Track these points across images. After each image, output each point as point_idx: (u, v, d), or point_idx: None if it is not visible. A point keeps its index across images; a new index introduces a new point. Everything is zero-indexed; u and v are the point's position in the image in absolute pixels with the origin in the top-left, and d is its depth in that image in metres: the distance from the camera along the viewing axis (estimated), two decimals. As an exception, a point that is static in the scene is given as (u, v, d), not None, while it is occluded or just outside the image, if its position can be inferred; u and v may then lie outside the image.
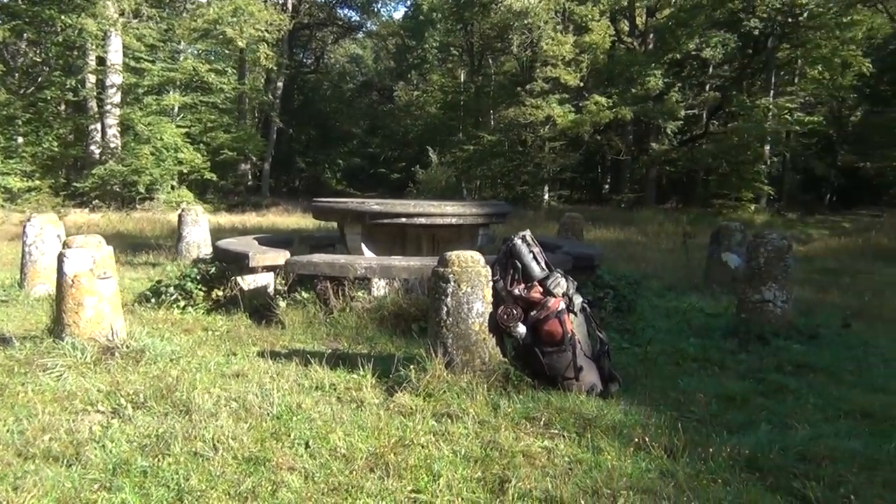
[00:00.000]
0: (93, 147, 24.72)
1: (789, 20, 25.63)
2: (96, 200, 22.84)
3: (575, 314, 4.47)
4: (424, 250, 8.04)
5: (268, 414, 3.91)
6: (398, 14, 68.66)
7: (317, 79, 46.06)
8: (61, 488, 3.02)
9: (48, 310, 5.81)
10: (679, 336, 6.24)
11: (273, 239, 8.76)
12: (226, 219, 20.56)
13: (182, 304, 6.95)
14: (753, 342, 5.89)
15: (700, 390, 4.47)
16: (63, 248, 5.12)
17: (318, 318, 6.25)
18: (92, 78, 24.82)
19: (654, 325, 6.67)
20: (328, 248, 9.17)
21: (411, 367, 4.41)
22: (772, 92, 27.02)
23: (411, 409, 4.05)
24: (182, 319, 6.57)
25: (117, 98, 24.35)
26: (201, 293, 7.04)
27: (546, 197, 29.20)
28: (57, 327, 5.09)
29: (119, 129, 24.60)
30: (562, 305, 4.40)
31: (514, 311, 4.45)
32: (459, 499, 3.02)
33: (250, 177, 33.52)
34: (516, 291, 4.54)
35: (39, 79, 24.85)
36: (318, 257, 6.99)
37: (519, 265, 4.60)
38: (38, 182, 23.03)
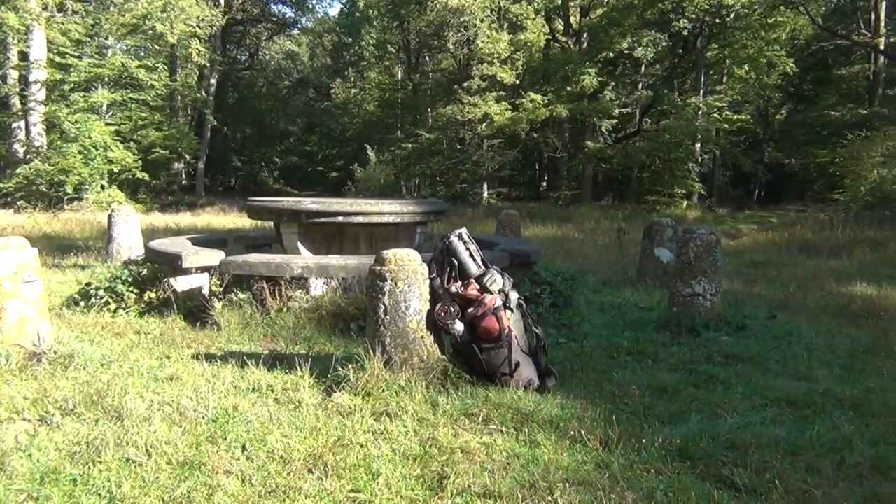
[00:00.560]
0: (16, 146, 23.81)
1: (717, 21, 26.42)
2: (21, 201, 21.97)
3: (511, 310, 4.52)
4: (362, 249, 8.01)
5: (203, 417, 3.85)
6: (334, 11, 68.10)
7: (251, 76, 45.36)
8: (-15, 500, 2.92)
9: (-31, 316, 5.58)
10: (614, 330, 6.37)
11: (208, 239, 8.60)
12: (159, 219, 20.06)
13: (113, 307, 6.76)
14: (684, 334, 6.06)
15: (634, 383, 4.58)
16: (-16, 251, 4.93)
17: (254, 319, 6.16)
18: (14, 74, 23.89)
19: (590, 319, 6.79)
20: (265, 247, 9.06)
21: (350, 366, 4.39)
22: (701, 91, 27.83)
23: (350, 408, 4.03)
24: (113, 323, 6.39)
25: (41, 95, 23.49)
26: (133, 296, 6.86)
27: (485, 195, 29.39)
28: (-22, 334, 4.90)
29: (44, 126, 23.74)
30: (498, 302, 4.44)
31: (452, 309, 4.47)
32: (398, 497, 3.03)
33: (184, 176, 32.77)
34: (453, 289, 4.56)
35: (-43, 74, 23.85)
36: (253, 257, 6.89)
37: (455, 263, 4.62)
38: (-43, 182, 22.11)
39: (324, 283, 6.41)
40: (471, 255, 4.69)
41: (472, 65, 28.29)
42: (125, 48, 27.71)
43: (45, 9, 23.11)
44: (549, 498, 3.01)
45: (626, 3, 26.93)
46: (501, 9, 28.05)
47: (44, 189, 22.40)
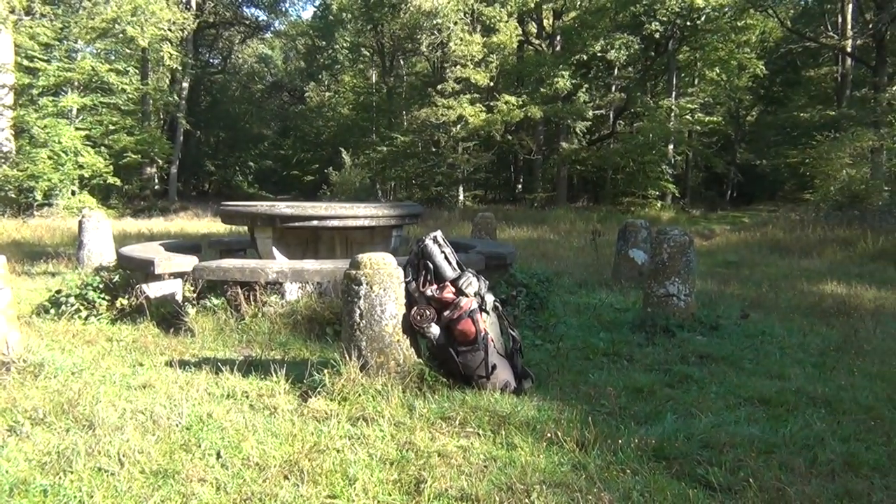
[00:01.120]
0: (-16, 151, 23.41)
1: (688, 24, 26.73)
2: (-11, 207, 21.65)
3: (487, 313, 4.53)
4: (338, 253, 7.98)
5: (177, 425, 3.80)
6: (307, 14, 67.90)
7: (224, 79, 45.08)
8: (-48, 514, 2.86)
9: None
10: (589, 331, 6.40)
11: (181, 244, 8.51)
12: (131, 225, 19.84)
13: (84, 314, 6.65)
14: (659, 335, 6.10)
15: (610, 384, 4.61)
16: (-50, 259, 4.83)
17: (229, 325, 6.10)
18: (-20, 78, 23.50)
19: (566, 321, 6.81)
20: (239, 252, 8.99)
21: (325, 371, 4.36)
22: (673, 93, 28.14)
23: (326, 413, 4.01)
24: (84, 330, 6.29)
25: (9, 99, 23.10)
26: (104, 302, 6.76)
27: (461, 197, 29.44)
28: (-55, 343, 4.80)
29: (13, 132, 23.32)
30: (474, 305, 4.44)
31: (428, 312, 4.46)
32: (375, 502, 3.01)
33: (157, 181, 32.45)
34: (429, 292, 4.55)
35: (-78, 79, 23.36)
36: (227, 262, 6.83)
37: (431, 266, 4.62)
38: (-78, 189, 21.67)
39: (299, 287, 6.37)
40: (446, 258, 4.68)
41: (445, 67, 28.34)
42: (95, 52, 27.35)
43: (12, 12, 22.74)
44: (527, 500, 3.01)
45: (599, 6, 27.16)
46: (474, 11, 28.14)
47: (13, 195, 22.04)
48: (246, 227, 8.25)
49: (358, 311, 4.42)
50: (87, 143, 24.03)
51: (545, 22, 31.76)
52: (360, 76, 40.88)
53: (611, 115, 31.50)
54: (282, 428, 3.78)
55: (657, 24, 25.97)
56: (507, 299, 6.70)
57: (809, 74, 33.11)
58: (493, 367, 4.38)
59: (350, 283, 4.46)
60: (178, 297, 6.84)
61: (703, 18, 26.34)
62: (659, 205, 27.29)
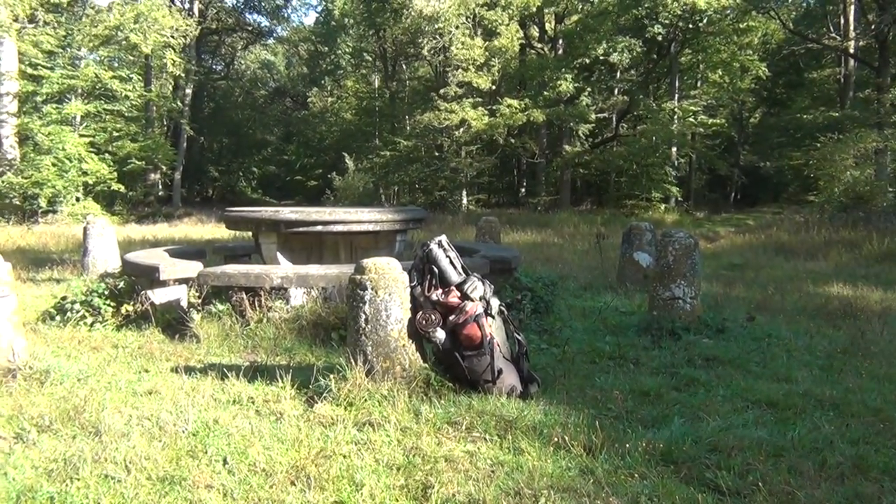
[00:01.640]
0: (-12, 159, 23.49)
1: (690, 26, 26.69)
2: (-6, 214, 21.71)
3: (493, 317, 4.52)
4: (342, 258, 7.98)
5: (183, 431, 3.79)
6: (309, 20, 68.06)
7: (227, 85, 45.18)
8: (-41, 522, 2.86)
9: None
10: (595, 335, 6.38)
11: (185, 250, 8.52)
12: (136, 231, 19.87)
13: (89, 320, 6.66)
14: (665, 338, 6.08)
15: (616, 387, 4.59)
16: (-44, 266, 4.84)
17: (234, 331, 6.10)
18: (-15, 86, 23.58)
19: (571, 325, 6.80)
20: (243, 258, 8.99)
21: (331, 376, 4.36)
22: (676, 95, 28.10)
23: (332, 419, 4.00)
24: (90, 337, 6.30)
25: (13, 107, 23.19)
26: (110, 309, 6.76)
27: (464, 201, 29.44)
28: (-49, 351, 4.80)
29: (17, 139, 23.41)
30: (480, 309, 4.43)
31: (433, 317, 4.46)
32: (383, 508, 3.00)
33: (160, 187, 32.49)
34: (434, 297, 4.54)
35: (-73, 87, 23.44)
36: (232, 268, 6.83)
37: (436, 270, 4.61)
38: (-72, 196, 21.74)
39: (304, 292, 6.37)
40: (451, 262, 4.67)
41: (448, 71, 28.35)
42: (98, 59, 27.44)
43: (16, 20, 22.84)
44: (535, 505, 3.00)
45: (601, 9, 27.15)
46: (476, 15, 28.15)
47: (17, 202, 22.11)
48: (250, 233, 8.26)
49: (363, 316, 4.42)
50: (91, 149, 24.09)
51: (547, 25, 31.77)
52: (363, 81, 40.94)
53: (613, 118, 31.49)
54: (288, 433, 3.77)
55: (659, 26, 25.96)
56: (513, 303, 6.70)
57: (812, 76, 33.10)
58: (499, 371, 4.37)
59: (355, 288, 4.46)
60: (183, 303, 6.84)
61: (705, 21, 26.30)
62: (663, 207, 27.24)
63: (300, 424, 3.92)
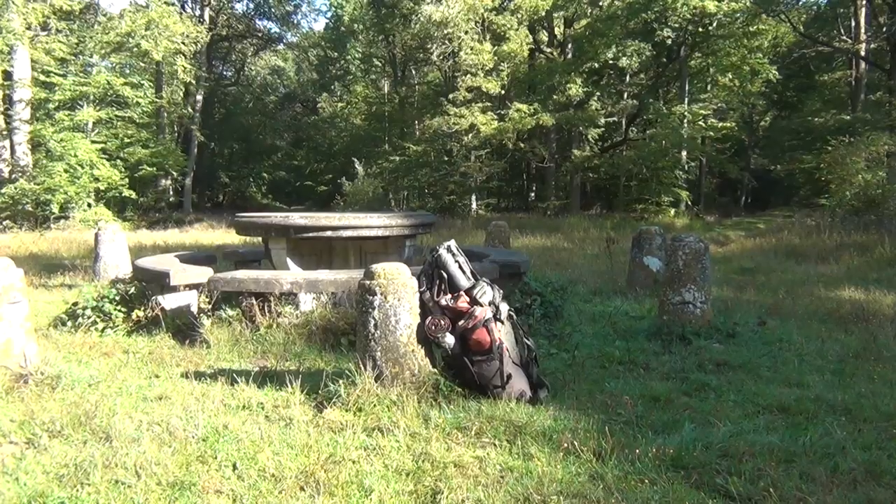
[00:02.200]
0: (1, 165, 23.67)
1: (700, 30, 26.63)
2: (7, 221, 21.86)
3: (502, 322, 4.51)
4: (352, 263, 7.99)
5: (193, 437, 3.81)
6: (319, 25, 68.37)
7: (238, 91, 45.38)
8: (-29, 527, 2.87)
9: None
10: (605, 340, 6.37)
11: (196, 256, 8.55)
12: (147, 236, 19.97)
13: (100, 326, 6.69)
14: (675, 342, 6.06)
15: (626, 392, 4.57)
16: (-31, 272, 4.87)
17: (244, 336, 6.12)
18: (-2, 93, 23.83)
19: (581, 329, 6.78)
20: (253, 263, 9.02)
21: (340, 381, 4.36)
22: (686, 99, 28.02)
23: (341, 424, 4.00)
24: (101, 342, 6.33)
25: (26, 114, 23.40)
26: (121, 314, 6.79)
27: (473, 206, 29.44)
28: (-37, 356, 4.83)
29: (30, 146, 23.63)
30: (489, 314, 4.43)
31: (442, 322, 4.46)
32: (392, 513, 3.00)
33: (171, 192, 32.68)
34: (443, 302, 4.54)
35: (-59, 95, 23.71)
36: (242, 273, 6.86)
37: (445, 275, 4.61)
38: (-58, 203, 21.94)
39: (313, 298, 6.38)
40: (460, 267, 4.67)
41: (457, 76, 28.37)
42: (110, 66, 27.65)
43: (28, 28, 23.06)
44: (544, 511, 2.99)
45: (610, 13, 27.11)
46: (485, 20, 28.18)
47: (30, 208, 22.29)
48: (260, 238, 8.28)
49: (372, 322, 4.42)
50: (103, 156, 24.27)
51: (556, 30, 31.75)
52: (372, 86, 41.07)
53: (623, 122, 31.42)
54: (297, 439, 3.78)
55: (669, 30, 25.90)
56: (522, 308, 6.69)
57: (823, 79, 32.95)
58: (509, 376, 4.37)
59: (364, 294, 4.46)
60: (194, 309, 6.86)
61: (714, 24, 26.23)
62: (673, 211, 27.14)
63: (309, 430, 3.92)
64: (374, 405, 4.19)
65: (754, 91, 28.85)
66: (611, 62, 27.63)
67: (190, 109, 32.74)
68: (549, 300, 7.18)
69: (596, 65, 28.22)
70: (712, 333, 6.32)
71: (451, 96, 27.13)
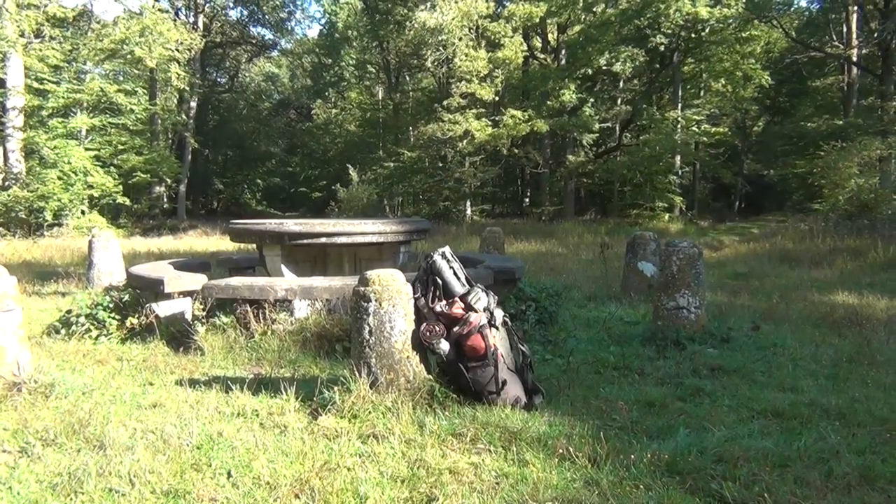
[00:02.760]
0: (-6, 172, 23.65)
1: (692, 36, 26.75)
2: (0, 228, 21.79)
3: (497, 328, 4.51)
4: (346, 270, 7.99)
5: (187, 444, 3.79)
6: (313, 32, 68.41)
7: (232, 98, 45.40)
8: (-37, 537, 2.86)
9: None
10: (600, 345, 6.37)
11: (190, 263, 8.53)
12: (141, 244, 19.93)
13: (94, 333, 6.67)
14: (670, 348, 6.07)
15: (621, 398, 4.58)
16: (-39, 280, 4.85)
17: (238, 343, 6.10)
18: (-9, 101, 23.77)
19: (576, 335, 6.79)
20: (248, 270, 9.00)
21: (335, 388, 4.35)
22: (679, 105, 28.11)
23: (336, 431, 3.99)
24: (95, 350, 6.31)
25: (19, 121, 23.34)
26: (115, 322, 6.78)
27: (468, 212, 29.47)
28: (-44, 365, 4.81)
29: (23, 153, 23.56)
30: (483, 320, 4.43)
31: (437, 328, 4.45)
32: (387, 520, 3.00)
33: (165, 199, 32.67)
34: (438, 308, 4.54)
35: (-66, 102, 23.63)
36: (236, 280, 6.85)
37: (440, 282, 4.61)
38: (-66, 210, 21.87)
39: (308, 304, 6.37)
40: (455, 273, 4.68)
41: (451, 83, 28.45)
42: (104, 73, 27.64)
43: (22, 35, 23.02)
44: (539, 517, 2.99)
45: (603, 19, 27.21)
46: (479, 27, 28.27)
47: (23, 216, 22.23)
48: (255, 245, 8.27)
49: (367, 328, 4.42)
50: (97, 163, 24.26)
51: (550, 36, 31.86)
52: (367, 93, 41.12)
53: (617, 128, 31.52)
54: (292, 446, 3.77)
55: (662, 36, 26.01)
56: (517, 314, 6.70)
57: (815, 84, 33.10)
58: (504, 382, 4.37)
59: (359, 300, 4.46)
60: (188, 316, 6.85)
61: (707, 30, 26.36)
62: (667, 217, 27.22)
63: (304, 437, 3.91)
64: (370, 412, 4.18)
65: (747, 96, 28.96)
66: (604, 68, 27.73)
67: (184, 116, 32.73)
68: (543, 306, 7.19)
69: (590, 71, 28.31)
70: (707, 338, 6.33)
71: (445, 102, 27.20)
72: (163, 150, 30.16)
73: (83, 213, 23.68)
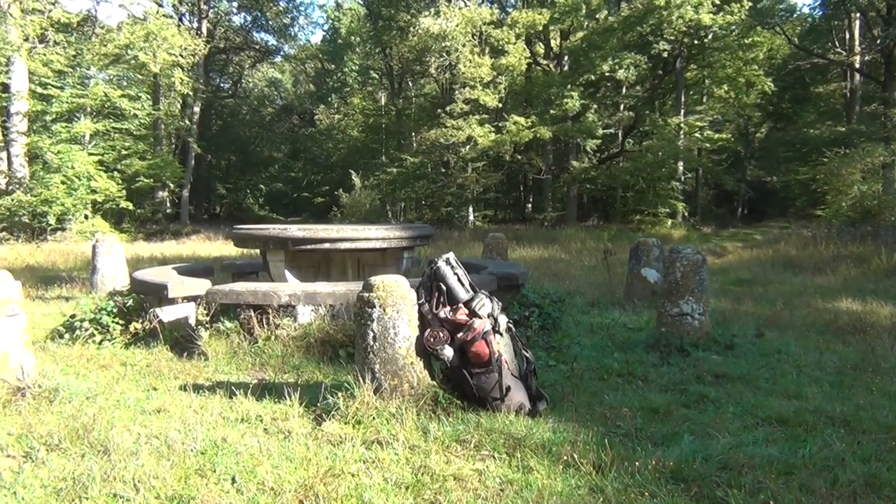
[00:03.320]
0: (-2, 177, 23.72)
1: (695, 42, 26.79)
2: (3, 233, 21.84)
3: (501, 334, 4.51)
4: (350, 275, 7.99)
5: (191, 450, 3.79)
6: (316, 38, 68.58)
7: (235, 103, 45.51)
8: (-32, 542, 2.86)
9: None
10: (603, 351, 6.36)
11: (193, 268, 8.54)
12: (144, 248, 19.95)
13: (98, 338, 6.67)
14: (674, 354, 6.06)
15: (625, 404, 4.57)
16: (-34, 285, 4.86)
17: (242, 348, 6.10)
18: (-5, 105, 23.85)
19: (579, 341, 6.78)
20: (251, 275, 9.01)
21: (339, 394, 4.35)
22: (682, 111, 28.16)
23: (340, 437, 3.99)
24: (99, 355, 6.30)
25: (23, 126, 23.41)
26: (118, 327, 6.78)
27: (471, 217, 29.49)
28: (-39, 369, 4.82)
29: (26, 157, 23.63)
30: (487, 326, 4.42)
31: (441, 334, 4.45)
32: (391, 527, 2.99)
33: (168, 204, 32.71)
34: (442, 314, 4.54)
35: (-62, 107, 23.72)
36: (240, 286, 6.85)
37: (444, 288, 4.61)
38: (-62, 215, 21.93)
39: (312, 310, 6.38)
40: (459, 279, 4.68)
41: (454, 89, 28.49)
42: (107, 78, 27.73)
43: (26, 39, 23.11)
44: (544, 524, 2.98)
45: (606, 26, 27.26)
46: (483, 34, 28.32)
47: (26, 220, 22.28)
48: (258, 250, 8.28)
49: (371, 334, 4.42)
50: (100, 167, 24.31)
51: (553, 43, 31.90)
52: (369, 98, 41.20)
53: (620, 134, 31.53)
54: (296, 452, 3.76)
55: (664, 43, 26.04)
56: (520, 320, 6.69)
57: (818, 91, 33.15)
58: (508, 388, 4.36)
59: (363, 306, 4.46)
60: (192, 321, 6.85)
61: (710, 37, 26.40)
62: (669, 223, 27.23)
63: (308, 443, 3.91)
64: (373, 418, 4.18)
65: (750, 103, 29.00)
66: (607, 74, 27.74)
67: (187, 121, 32.81)
68: (547, 312, 7.19)
69: (592, 77, 28.32)
70: (710, 345, 6.32)
71: (448, 108, 27.22)
72: (166, 155, 30.22)
73: (86, 217, 23.73)
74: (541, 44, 32.31)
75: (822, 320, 7.99)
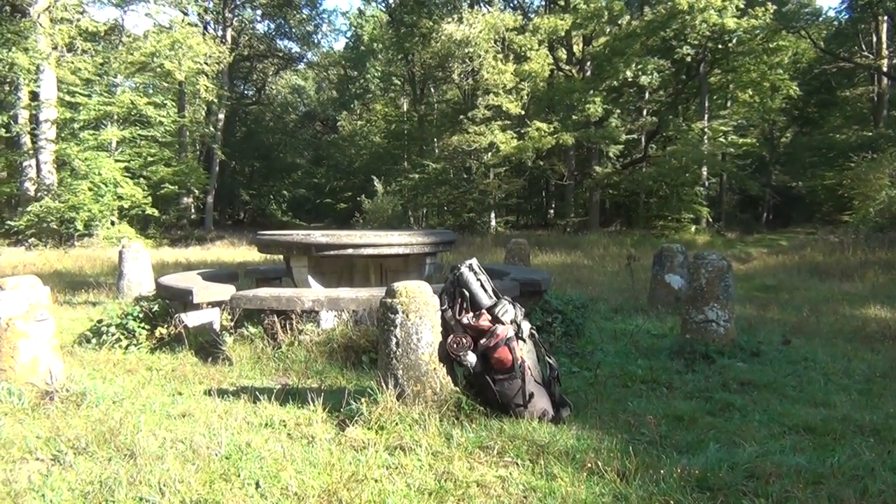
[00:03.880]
0: (27, 184, 24.10)
1: (719, 46, 26.58)
2: (32, 239, 22.19)
3: (524, 340, 4.49)
4: (373, 281, 8.01)
5: (216, 454, 3.82)
6: (339, 45, 68.99)
7: (259, 110, 45.90)
8: (-2, 543, 2.90)
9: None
10: (627, 358, 6.32)
11: (218, 273, 8.61)
12: (169, 254, 20.15)
13: (124, 343, 6.75)
14: (699, 361, 6.00)
15: (650, 412, 4.53)
16: (-3, 290, 4.94)
17: (266, 354, 6.14)
18: (25, 113, 24.23)
19: (603, 348, 6.74)
20: (275, 281, 9.06)
21: (362, 399, 4.36)
22: (706, 115, 27.92)
23: (363, 442, 4.00)
24: (125, 359, 6.38)
25: (52, 133, 23.79)
26: (144, 332, 6.85)
27: (493, 223, 29.46)
28: (-9, 373, 4.89)
29: (55, 164, 24.01)
30: (511, 332, 4.41)
31: (464, 340, 4.45)
32: (415, 533, 2.99)
33: (193, 210, 33.03)
34: (465, 320, 4.54)
35: (-30, 115, 24.17)
36: (264, 291, 6.89)
37: (467, 294, 4.61)
38: (-31, 221, 22.34)
39: (335, 315, 6.40)
40: (482, 285, 4.67)
41: (477, 95, 28.51)
42: (134, 86, 28.09)
43: (55, 48, 23.49)
44: (568, 532, 2.96)
45: (629, 31, 27.16)
46: (506, 40, 28.33)
47: (54, 226, 22.61)
48: (281, 256, 8.33)
49: (394, 340, 4.42)
50: (126, 174, 24.60)
51: (575, 48, 31.84)
52: (392, 105, 41.35)
53: (643, 139, 31.36)
54: (320, 457, 3.78)
55: (688, 47, 25.90)
56: (543, 326, 6.67)
57: (845, 95, 32.76)
58: (531, 395, 4.35)
59: (386, 312, 4.47)
60: (216, 326, 6.90)
61: (734, 41, 26.19)
62: (693, 228, 27.01)
63: (332, 448, 3.92)
64: (396, 423, 4.18)
65: (775, 107, 28.72)
66: (630, 79, 27.63)
67: (212, 128, 33.12)
68: (570, 318, 7.15)
69: (615, 82, 28.23)
70: (736, 352, 6.26)
71: (470, 114, 27.24)
72: (191, 162, 30.56)
73: (113, 223, 24.02)
74: (563, 49, 32.27)
75: (850, 327, 7.88)
